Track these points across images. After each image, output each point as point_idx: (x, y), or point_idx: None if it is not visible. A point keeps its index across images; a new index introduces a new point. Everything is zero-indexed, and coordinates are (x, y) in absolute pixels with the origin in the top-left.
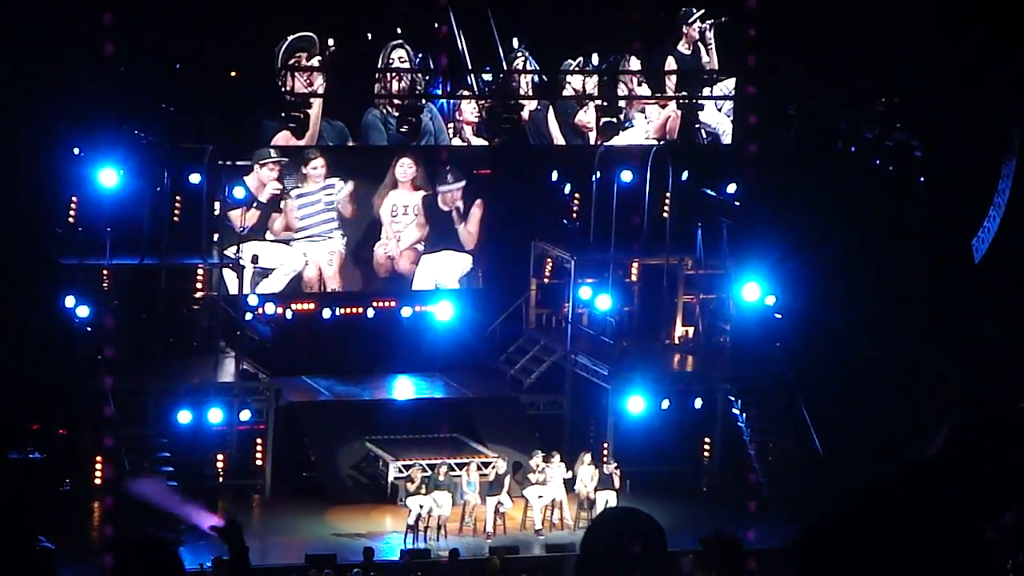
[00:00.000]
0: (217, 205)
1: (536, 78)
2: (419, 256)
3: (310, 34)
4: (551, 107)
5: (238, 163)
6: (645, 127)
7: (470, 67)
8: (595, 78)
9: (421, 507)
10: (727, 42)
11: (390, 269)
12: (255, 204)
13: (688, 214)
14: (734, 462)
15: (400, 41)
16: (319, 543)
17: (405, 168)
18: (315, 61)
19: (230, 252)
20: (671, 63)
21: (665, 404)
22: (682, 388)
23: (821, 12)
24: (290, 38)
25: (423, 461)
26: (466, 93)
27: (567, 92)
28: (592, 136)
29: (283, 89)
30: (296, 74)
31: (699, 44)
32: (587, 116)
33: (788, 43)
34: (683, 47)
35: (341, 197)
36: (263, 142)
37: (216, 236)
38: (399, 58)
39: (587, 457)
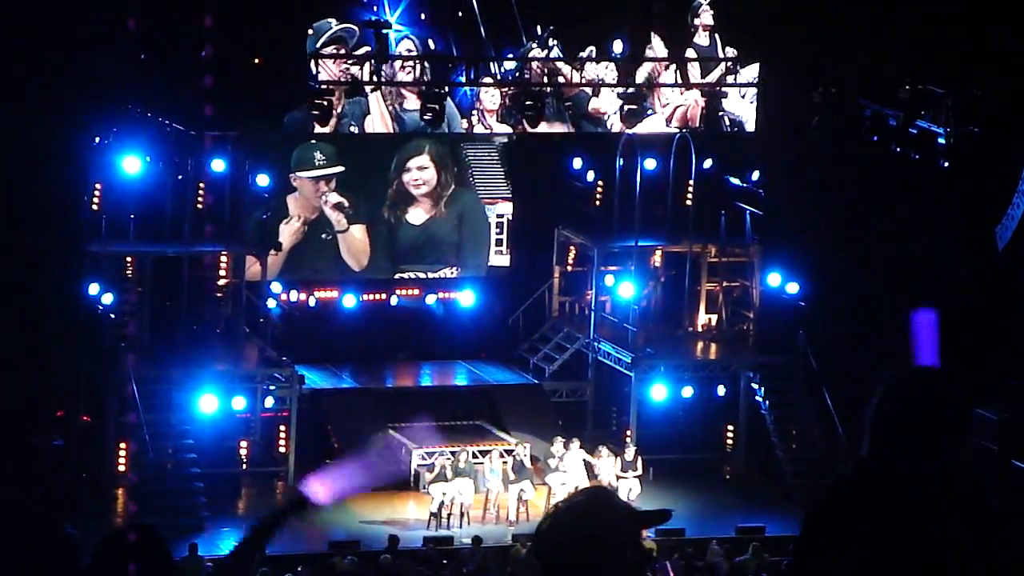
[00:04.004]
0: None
1: (560, 64)
2: None
3: (353, 26)
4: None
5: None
6: (665, 115)
7: (493, 54)
8: (612, 64)
9: (444, 494)
10: (738, 26)
11: None
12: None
13: (711, 202)
14: (757, 450)
15: (407, 34)
16: (342, 530)
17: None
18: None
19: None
20: (691, 54)
21: (687, 392)
22: (705, 376)
23: None
24: (334, 27)
25: (446, 448)
26: (488, 80)
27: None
28: (609, 122)
29: (312, 77)
30: (323, 62)
31: (715, 34)
32: (600, 103)
33: (811, 29)
34: (700, 39)
35: None
36: (289, 129)
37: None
38: (406, 49)
39: (604, 450)
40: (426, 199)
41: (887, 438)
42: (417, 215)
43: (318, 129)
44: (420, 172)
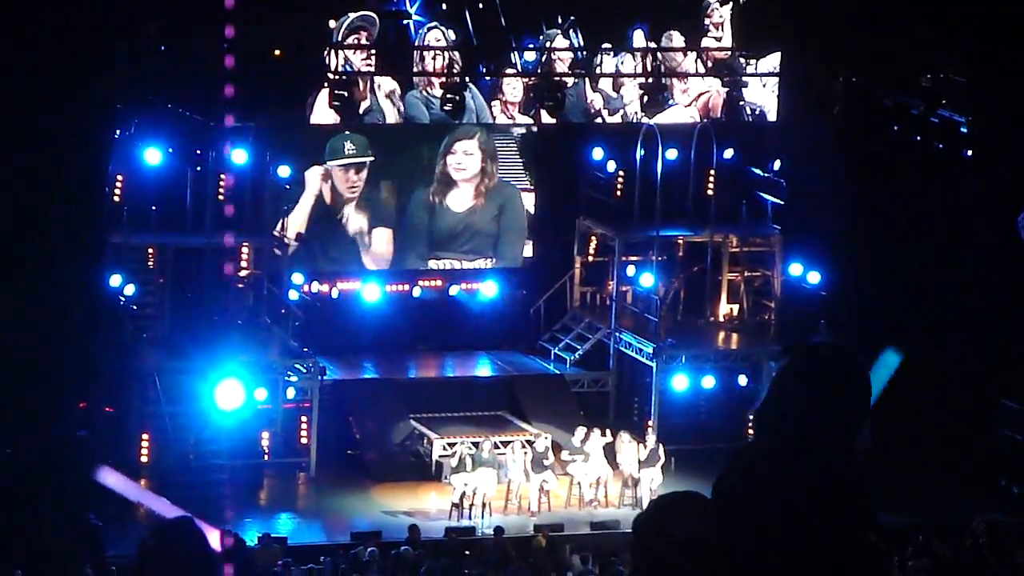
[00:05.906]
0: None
1: (578, 54)
2: None
3: (371, 13)
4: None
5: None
6: (686, 106)
7: (513, 45)
8: (636, 55)
9: (466, 485)
10: (750, 22)
11: None
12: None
13: (733, 192)
14: None
15: (436, 23)
16: (364, 521)
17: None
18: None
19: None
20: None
21: (709, 382)
22: (727, 365)
23: None
24: (351, 16)
25: (468, 439)
26: (510, 71)
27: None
28: (626, 111)
29: (332, 67)
30: (348, 52)
31: (724, 30)
32: (621, 92)
33: (832, 18)
34: (711, 38)
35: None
36: (308, 120)
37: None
38: (435, 39)
39: (626, 436)
40: (467, 185)
41: (788, 415)
42: (458, 202)
43: (331, 119)
44: (465, 157)
